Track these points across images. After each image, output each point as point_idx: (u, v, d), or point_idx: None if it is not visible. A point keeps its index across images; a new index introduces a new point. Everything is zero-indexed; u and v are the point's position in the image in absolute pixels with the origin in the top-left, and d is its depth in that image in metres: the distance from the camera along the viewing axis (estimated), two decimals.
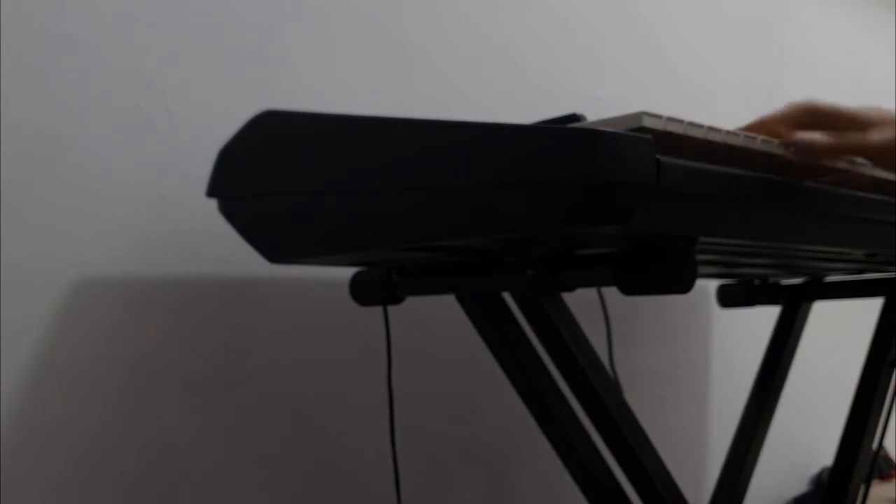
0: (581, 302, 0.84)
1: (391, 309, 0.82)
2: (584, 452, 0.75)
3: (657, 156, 0.48)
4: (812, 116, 0.59)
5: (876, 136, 0.57)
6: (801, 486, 1.60)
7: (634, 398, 0.82)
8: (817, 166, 0.59)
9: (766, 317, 1.16)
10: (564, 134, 0.47)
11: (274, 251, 0.69)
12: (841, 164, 0.60)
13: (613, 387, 0.71)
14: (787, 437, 1.43)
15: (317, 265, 0.84)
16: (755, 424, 1.10)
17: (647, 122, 0.49)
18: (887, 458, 1.61)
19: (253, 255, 0.70)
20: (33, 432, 0.77)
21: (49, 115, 0.79)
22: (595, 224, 0.47)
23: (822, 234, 0.64)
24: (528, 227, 0.49)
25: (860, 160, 0.61)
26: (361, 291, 0.81)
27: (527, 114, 0.85)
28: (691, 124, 0.52)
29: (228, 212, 0.72)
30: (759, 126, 0.60)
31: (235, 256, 0.89)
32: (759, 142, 0.56)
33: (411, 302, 0.85)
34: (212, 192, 0.74)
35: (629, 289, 0.57)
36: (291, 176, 0.65)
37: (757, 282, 1.13)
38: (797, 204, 0.59)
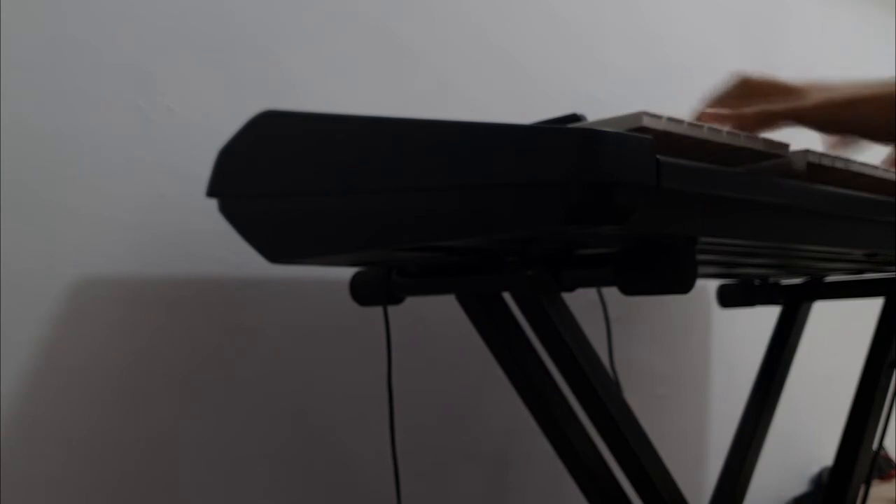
0: (581, 302, 0.84)
1: (391, 309, 0.82)
2: (584, 452, 0.75)
3: (657, 156, 0.48)
4: (747, 88, 0.62)
5: (808, 101, 0.61)
6: (801, 486, 1.60)
7: (634, 398, 0.82)
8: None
9: (766, 317, 1.16)
10: (565, 134, 0.47)
11: (274, 251, 0.69)
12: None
13: (613, 387, 0.71)
14: (787, 437, 1.43)
15: (317, 265, 0.84)
16: (755, 424, 1.10)
17: (647, 122, 0.49)
18: (887, 458, 1.61)
19: (253, 255, 0.70)
20: (33, 432, 0.77)
21: (49, 114, 0.79)
22: (595, 224, 0.47)
23: (822, 234, 0.64)
24: (528, 227, 0.49)
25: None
26: (361, 291, 0.81)
27: (527, 114, 0.85)
28: (691, 124, 0.52)
29: (228, 212, 0.72)
30: (713, 106, 0.62)
31: (235, 256, 0.89)
32: (760, 142, 0.56)
33: (411, 302, 0.85)
34: (212, 192, 0.74)
35: (629, 289, 0.57)
36: (291, 176, 0.65)
37: (757, 282, 1.13)
38: (797, 204, 0.59)
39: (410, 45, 1.06)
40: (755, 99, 0.62)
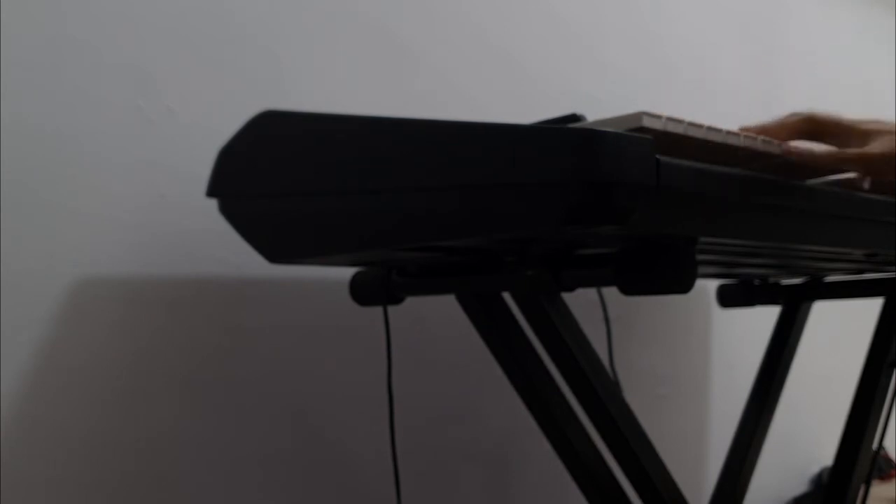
0: (581, 302, 0.84)
1: (391, 309, 0.82)
2: (584, 452, 0.75)
3: (657, 156, 0.48)
4: (812, 125, 0.60)
5: (875, 148, 0.58)
6: (801, 486, 1.60)
7: (634, 398, 0.82)
8: (813, 169, 0.60)
9: (766, 317, 1.16)
10: (564, 134, 0.47)
11: (274, 251, 0.69)
12: (840, 174, 0.61)
13: (613, 387, 0.71)
14: (787, 437, 1.43)
15: (317, 265, 0.84)
16: (755, 424, 1.10)
17: (647, 122, 0.49)
18: (887, 458, 1.61)
19: (253, 255, 0.70)
20: (33, 432, 0.77)
21: (49, 114, 0.79)
22: (595, 224, 0.47)
23: (822, 234, 0.64)
24: (528, 227, 0.49)
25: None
26: (361, 291, 0.81)
27: (527, 114, 0.85)
28: (691, 124, 0.52)
29: (228, 212, 0.72)
30: (761, 132, 0.61)
31: (235, 256, 0.89)
32: (759, 142, 0.56)
33: (411, 302, 0.85)
34: (212, 192, 0.74)
35: (629, 289, 0.57)
36: (291, 176, 0.65)
37: (757, 282, 1.13)
38: (797, 204, 0.59)
39: (410, 45, 1.06)
40: (817, 136, 0.61)
